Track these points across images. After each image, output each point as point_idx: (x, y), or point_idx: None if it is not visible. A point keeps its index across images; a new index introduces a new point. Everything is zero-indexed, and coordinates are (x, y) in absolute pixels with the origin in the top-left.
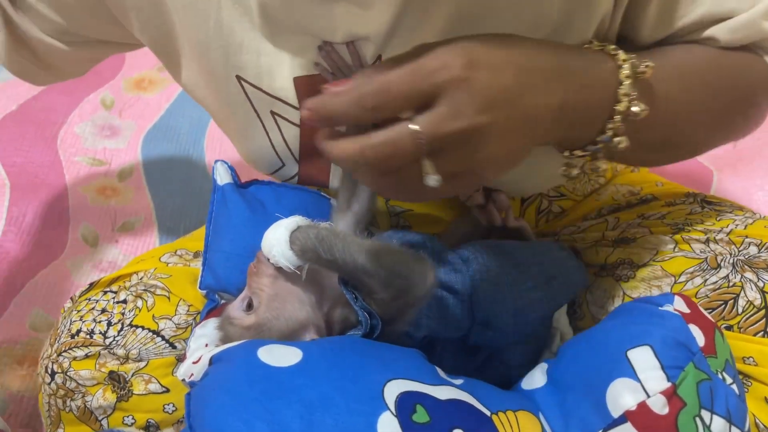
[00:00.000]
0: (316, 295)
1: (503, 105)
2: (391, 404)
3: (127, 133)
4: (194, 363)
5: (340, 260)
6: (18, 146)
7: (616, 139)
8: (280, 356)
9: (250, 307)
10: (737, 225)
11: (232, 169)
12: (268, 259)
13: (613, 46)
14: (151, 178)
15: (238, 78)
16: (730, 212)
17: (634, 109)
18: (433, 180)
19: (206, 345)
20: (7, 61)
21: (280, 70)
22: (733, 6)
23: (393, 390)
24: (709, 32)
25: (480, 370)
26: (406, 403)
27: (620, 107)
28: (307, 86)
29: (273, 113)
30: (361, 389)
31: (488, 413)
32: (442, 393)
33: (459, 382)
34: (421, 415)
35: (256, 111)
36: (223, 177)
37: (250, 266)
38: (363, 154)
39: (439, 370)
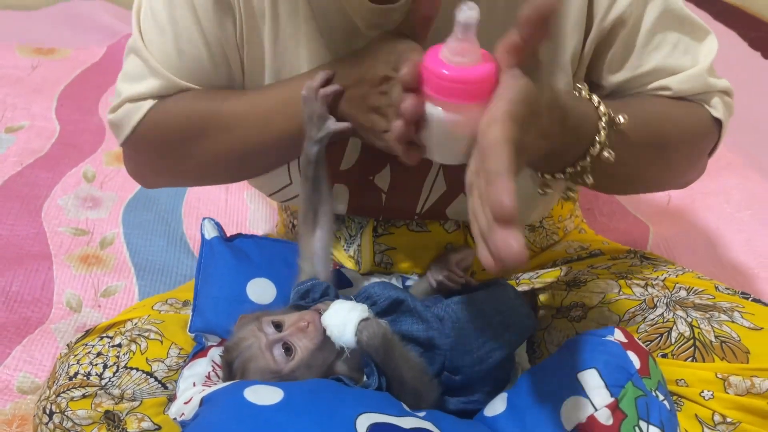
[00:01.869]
0: (334, 351)
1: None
2: None
3: (109, 204)
4: (185, 403)
5: (391, 365)
6: (3, 220)
7: (585, 176)
8: (264, 395)
9: (288, 351)
10: (670, 275)
11: (218, 225)
12: (324, 330)
13: (597, 98)
14: (131, 245)
15: None
16: (665, 265)
17: (604, 154)
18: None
19: (194, 384)
20: None
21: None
22: (680, 62)
23: (364, 422)
24: (663, 82)
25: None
26: None
27: (593, 151)
28: None
29: None
30: (336, 422)
31: None
32: (407, 423)
33: (422, 414)
34: None
35: None
36: (210, 232)
37: (299, 321)
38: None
39: (403, 405)
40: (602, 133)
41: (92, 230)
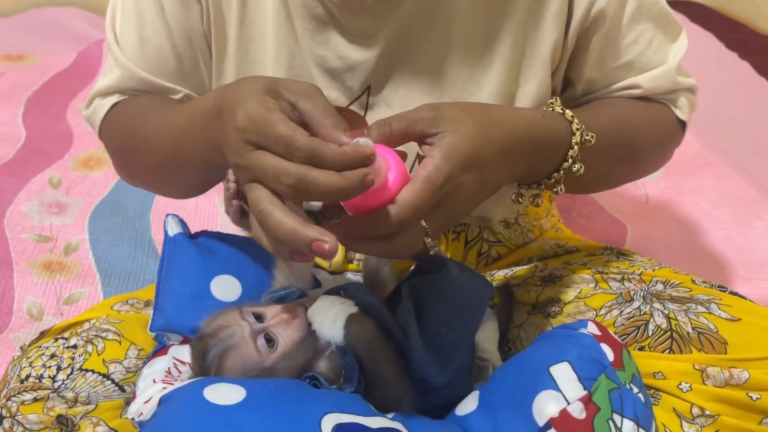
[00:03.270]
0: (315, 348)
1: (480, 195)
2: None
3: (74, 210)
4: (145, 402)
5: (376, 363)
6: None
7: (557, 187)
8: (225, 395)
9: (270, 343)
10: (646, 269)
11: (182, 222)
12: (310, 325)
13: (570, 113)
14: (97, 252)
15: None
16: (641, 261)
17: (575, 167)
18: (434, 250)
19: (153, 381)
20: None
21: None
22: (653, 59)
23: (329, 422)
24: (634, 80)
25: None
26: None
27: (566, 165)
28: None
29: None
30: (300, 422)
31: None
32: (375, 423)
33: (390, 415)
34: None
35: None
36: (173, 228)
37: (283, 313)
38: (391, 246)
39: (371, 406)
40: (575, 148)
41: (56, 236)
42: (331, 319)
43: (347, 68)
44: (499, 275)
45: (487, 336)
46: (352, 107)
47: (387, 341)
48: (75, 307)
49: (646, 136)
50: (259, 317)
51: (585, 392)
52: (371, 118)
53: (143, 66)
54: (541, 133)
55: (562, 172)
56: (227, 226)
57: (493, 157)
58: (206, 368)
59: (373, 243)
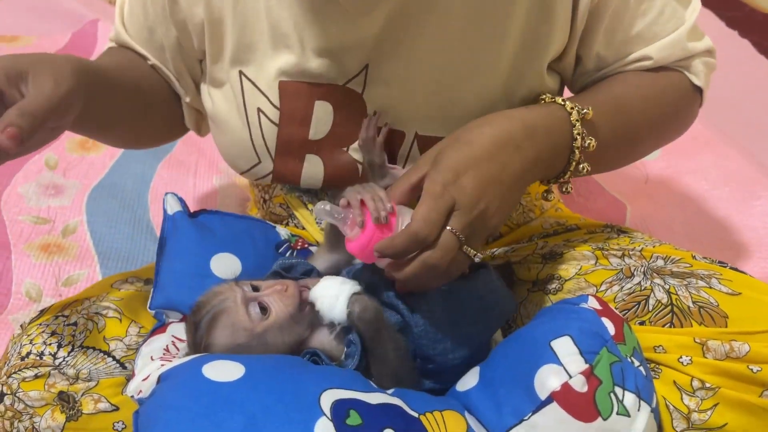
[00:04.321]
0: (312, 325)
1: (491, 186)
2: (327, 411)
3: (72, 192)
4: (144, 380)
5: (378, 342)
6: None
7: (581, 166)
8: (224, 372)
9: (263, 311)
10: (647, 245)
11: (181, 200)
12: (313, 305)
13: (561, 98)
14: (95, 233)
15: (240, 73)
16: (641, 238)
17: (587, 142)
18: (478, 257)
19: (151, 358)
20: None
21: (272, 73)
22: (665, 29)
23: (328, 398)
24: (644, 51)
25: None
26: (340, 409)
27: (577, 144)
28: (289, 90)
29: (259, 110)
30: (299, 398)
31: (416, 414)
32: (374, 398)
33: (390, 391)
34: (354, 419)
35: (245, 106)
36: (173, 206)
37: (277, 285)
38: (425, 263)
39: (371, 382)
40: (577, 125)
41: (54, 218)
42: (333, 297)
43: (345, 46)
44: (498, 253)
45: None
46: (350, 84)
47: (390, 321)
48: (73, 289)
49: (656, 106)
50: (254, 288)
51: (586, 366)
52: (369, 96)
53: (127, 28)
54: (531, 119)
55: (577, 152)
56: (225, 208)
57: (483, 153)
58: (198, 337)
59: (420, 273)
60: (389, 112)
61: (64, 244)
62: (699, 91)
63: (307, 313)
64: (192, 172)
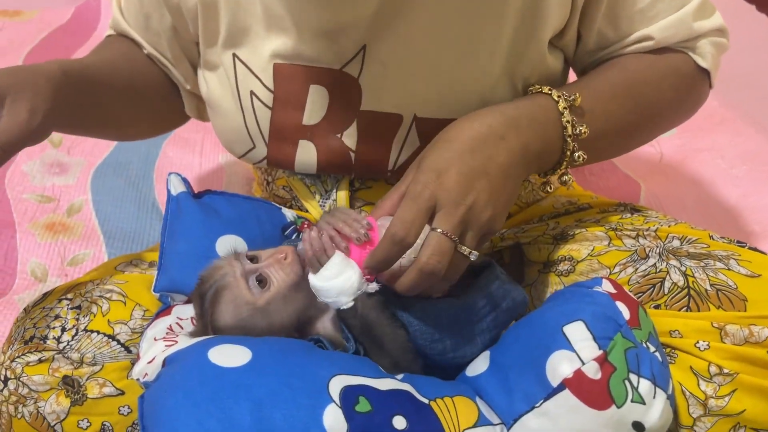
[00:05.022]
0: (308, 305)
1: (477, 179)
2: (336, 397)
3: (76, 170)
4: (149, 363)
5: (379, 333)
6: None
7: (576, 155)
8: (231, 356)
9: (263, 283)
10: (662, 225)
11: (185, 180)
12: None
13: (547, 87)
14: (100, 212)
15: (234, 55)
16: (656, 217)
17: (579, 129)
18: (474, 255)
19: (155, 339)
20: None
21: (265, 55)
22: (669, 5)
23: (337, 384)
24: (646, 31)
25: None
26: (349, 395)
27: (567, 132)
28: (284, 73)
29: (252, 93)
30: (307, 384)
31: (426, 401)
32: (383, 384)
33: (400, 376)
34: (363, 405)
35: (238, 88)
36: (177, 187)
37: (277, 253)
38: (422, 272)
39: (380, 368)
40: (565, 113)
41: (59, 197)
42: (347, 281)
43: (341, 27)
44: (508, 234)
45: None
46: (346, 68)
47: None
48: (79, 269)
49: (655, 91)
50: (253, 259)
51: (600, 352)
52: (365, 80)
53: (124, 14)
54: (513, 109)
55: (569, 141)
56: (232, 187)
57: (465, 148)
58: (205, 311)
59: (418, 281)
60: (385, 96)
61: (69, 224)
62: (706, 73)
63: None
64: (198, 151)
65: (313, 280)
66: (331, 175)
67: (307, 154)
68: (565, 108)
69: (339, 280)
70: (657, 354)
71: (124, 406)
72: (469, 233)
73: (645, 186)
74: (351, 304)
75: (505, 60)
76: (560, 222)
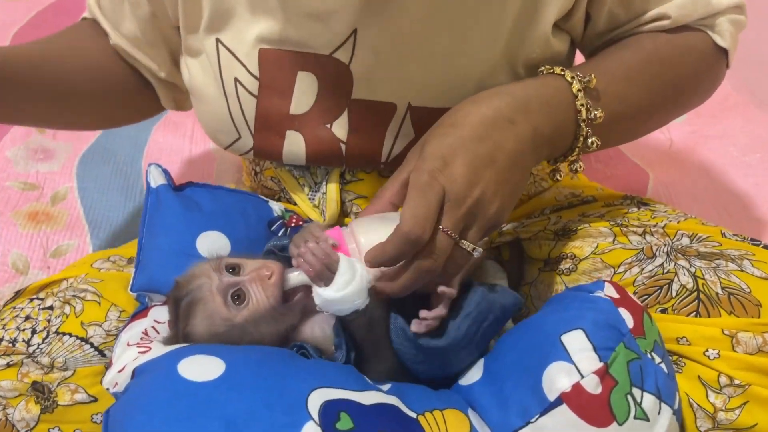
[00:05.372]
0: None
1: (484, 169)
2: (315, 414)
3: (62, 156)
4: (119, 371)
5: (382, 331)
6: None
7: (589, 141)
8: (202, 369)
9: (240, 299)
10: (671, 221)
11: (166, 172)
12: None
13: (559, 68)
14: (86, 201)
15: (217, 41)
16: (664, 212)
17: (594, 113)
18: (477, 251)
19: (128, 344)
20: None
21: (250, 39)
22: None
23: (317, 399)
24: (661, 9)
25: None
26: (329, 412)
27: (582, 116)
28: (269, 59)
29: (236, 80)
30: (284, 400)
31: (414, 415)
32: (367, 398)
33: (386, 387)
34: (345, 422)
35: (222, 75)
36: (156, 179)
37: (261, 269)
38: (417, 271)
39: (367, 378)
40: (579, 96)
41: (43, 185)
42: (357, 286)
43: (330, 9)
44: (507, 229)
45: None
46: (336, 54)
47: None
48: (62, 260)
49: (673, 72)
50: (234, 269)
51: (601, 364)
52: (356, 67)
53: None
54: (523, 91)
55: (583, 125)
56: (223, 174)
57: (472, 134)
58: (179, 319)
59: (414, 281)
60: (378, 84)
61: (53, 213)
62: (724, 52)
63: (295, 302)
64: (188, 136)
65: (329, 292)
66: (320, 167)
67: (294, 145)
68: (579, 90)
69: (356, 281)
70: (663, 365)
71: (97, 414)
72: (473, 228)
73: (654, 174)
74: (367, 300)
75: (506, 44)
76: (562, 216)
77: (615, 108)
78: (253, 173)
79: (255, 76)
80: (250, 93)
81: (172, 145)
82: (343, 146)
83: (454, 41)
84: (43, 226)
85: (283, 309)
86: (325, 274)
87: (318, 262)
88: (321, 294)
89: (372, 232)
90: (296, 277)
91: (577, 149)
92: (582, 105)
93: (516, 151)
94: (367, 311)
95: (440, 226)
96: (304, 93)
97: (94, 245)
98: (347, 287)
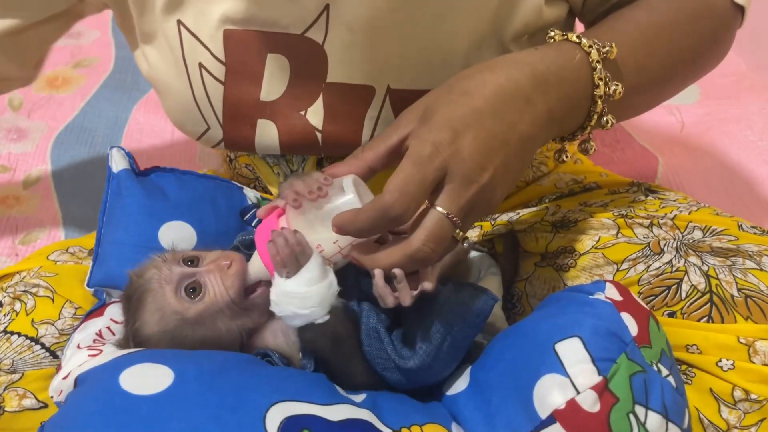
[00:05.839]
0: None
1: (496, 152)
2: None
3: (36, 136)
4: (64, 378)
5: (350, 347)
6: None
7: (604, 119)
8: (147, 381)
9: (194, 293)
10: (681, 211)
11: (129, 155)
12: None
13: (574, 35)
14: (60, 185)
15: (179, 22)
16: (674, 200)
17: (612, 87)
18: (468, 242)
19: (78, 346)
20: None
21: (214, 20)
22: None
23: (277, 415)
24: None
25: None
26: (291, 429)
27: (599, 91)
28: (236, 41)
29: (201, 65)
30: (238, 417)
31: (389, 431)
32: (336, 413)
33: (360, 398)
34: None
35: (185, 61)
36: (118, 164)
37: (220, 258)
38: (413, 259)
39: (338, 388)
40: (598, 68)
41: (15, 166)
42: (321, 291)
43: None
44: (501, 219)
45: None
46: (309, 33)
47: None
48: (32, 248)
49: (690, 34)
50: (192, 261)
51: (599, 378)
52: (331, 46)
53: None
54: (541, 63)
55: (599, 102)
56: (207, 156)
57: (486, 107)
58: (128, 318)
59: (396, 260)
60: (354, 65)
61: (25, 197)
62: (740, 10)
63: (258, 296)
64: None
65: (290, 284)
66: (294, 158)
67: (267, 135)
68: (598, 62)
69: (323, 284)
70: (671, 378)
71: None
72: (471, 217)
73: (664, 160)
74: (326, 318)
75: (493, 16)
76: (562, 205)
77: (633, 80)
78: (228, 160)
79: (221, 61)
80: (217, 79)
81: (153, 125)
82: (319, 135)
83: (436, 16)
84: (13, 211)
85: (244, 304)
86: (292, 263)
87: (288, 249)
88: (279, 284)
89: (311, 231)
90: (260, 268)
91: (588, 128)
92: (600, 79)
93: (528, 136)
94: (327, 330)
95: (442, 209)
96: (275, 77)
97: (66, 232)
98: (311, 285)
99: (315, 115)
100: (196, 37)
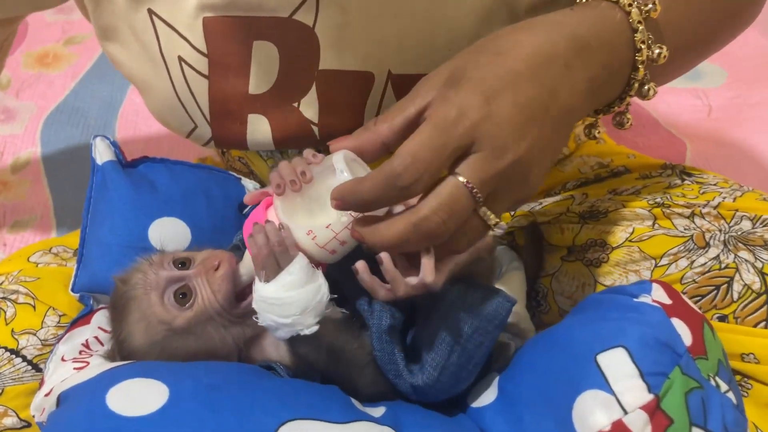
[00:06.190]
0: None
1: (534, 121)
2: None
3: (25, 117)
4: (46, 395)
5: (350, 357)
6: None
7: (645, 87)
8: (138, 399)
9: (183, 299)
10: (725, 198)
11: (115, 144)
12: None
13: None
14: (50, 169)
15: (150, 12)
16: (715, 184)
17: (656, 52)
18: (499, 228)
19: (63, 359)
20: None
21: (190, 8)
22: None
23: None
24: None
25: None
26: None
27: (641, 56)
28: (217, 30)
29: (180, 59)
30: None
31: None
32: (352, 431)
33: (380, 412)
34: None
35: (163, 55)
36: (103, 155)
37: (210, 258)
38: (418, 229)
39: (354, 401)
40: (640, 29)
41: (2, 149)
42: (306, 297)
43: None
44: (522, 210)
45: (511, 290)
46: (297, 15)
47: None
48: (21, 236)
49: None
50: (184, 264)
51: (650, 396)
52: (322, 29)
53: None
54: (581, 26)
55: (641, 68)
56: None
57: (523, 69)
58: (115, 326)
59: (407, 240)
60: (350, 49)
61: (13, 182)
62: None
63: (251, 302)
64: None
65: (268, 289)
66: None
67: (259, 131)
68: (639, 22)
69: (307, 289)
70: (730, 394)
71: None
72: (501, 196)
73: (691, 146)
74: (316, 327)
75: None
76: (589, 194)
77: (675, 41)
78: (220, 152)
79: (202, 52)
80: (200, 73)
81: None
82: (315, 128)
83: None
84: (1, 197)
85: (236, 311)
86: (270, 264)
87: (266, 247)
88: (257, 289)
89: (301, 217)
90: (252, 267)
91: (627, 98)
92: (642, 42)
93: (568, 106)
94: (320, 343)
95: (462, 178)
96: (262, 67)
97: (58, 220)
98: (291, 290)
99: (309, 107)
100: (172, 28)
